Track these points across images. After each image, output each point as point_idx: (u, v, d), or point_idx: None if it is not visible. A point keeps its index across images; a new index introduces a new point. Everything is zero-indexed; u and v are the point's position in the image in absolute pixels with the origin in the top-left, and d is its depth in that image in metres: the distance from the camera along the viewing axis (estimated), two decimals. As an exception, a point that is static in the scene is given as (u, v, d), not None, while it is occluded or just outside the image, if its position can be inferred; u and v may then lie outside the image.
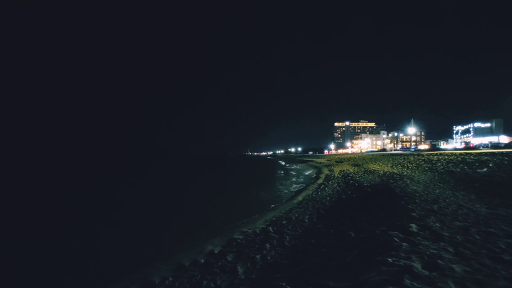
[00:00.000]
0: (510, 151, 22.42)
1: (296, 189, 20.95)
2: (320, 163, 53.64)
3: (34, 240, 9.66)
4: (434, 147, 70.52)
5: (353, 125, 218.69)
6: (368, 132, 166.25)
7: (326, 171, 33.04)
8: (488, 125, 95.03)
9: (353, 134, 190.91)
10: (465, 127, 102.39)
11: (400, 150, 68.21)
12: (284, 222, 9.32)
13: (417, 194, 9.24)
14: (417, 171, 18.67)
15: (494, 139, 71.81)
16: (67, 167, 57.63)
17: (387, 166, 25.05)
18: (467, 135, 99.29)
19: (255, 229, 8.92)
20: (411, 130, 75.94)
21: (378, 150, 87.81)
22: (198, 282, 5.34)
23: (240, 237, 8.19)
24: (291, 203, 13.77)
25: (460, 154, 25.16)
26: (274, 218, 10.37)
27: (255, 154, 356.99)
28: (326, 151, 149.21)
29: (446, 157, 23.72)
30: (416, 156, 29.36)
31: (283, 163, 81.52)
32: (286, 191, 20.29)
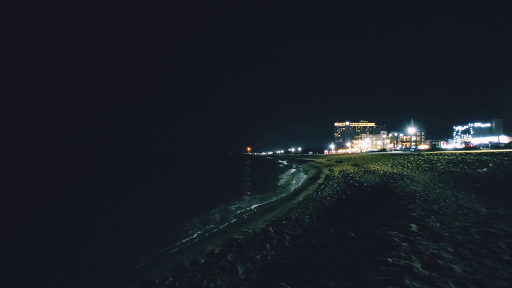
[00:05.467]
0: (510, 151, 22.42)
1: (296, 189, 20.95)
2: (320, 163, 53.63)
3: (33, 240, 9.66)
4: (434, 147, 70.56)
5: (353, 125, 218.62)
6: (368, 132, 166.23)
7: (326, 171, 33.02)
8: (488, 125, 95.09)
9: (353, 134, 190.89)
10: (465, 127, 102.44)
11: (400, 150, 68.24)
12: (284, 222, 9.33)
13: (417, 194, 9.24)
14: (417, 171, 18.67)
15: (494, 139, 71.84)
16: (64, 163, 57.66)
17: (387, 166, 25.05)
18: (467, 135, 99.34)
19: (255, 229, 8.92)
20: (411, 130, 75.95)
21: (378, 150, 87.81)
22: (198, 282, 5.34)
23: (240, 237, 8.19)
24: (291, 203, 13.78)
25: (460, 154, 25.16)
26: (274, 218, 10.37)
27: (255, 154, 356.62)
28: (326, 151, 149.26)
29: (446, 157, 23.73)
30: (416, 156, 29.36)
31: (283, 163, 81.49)
32: (286, 191, 20.29)
